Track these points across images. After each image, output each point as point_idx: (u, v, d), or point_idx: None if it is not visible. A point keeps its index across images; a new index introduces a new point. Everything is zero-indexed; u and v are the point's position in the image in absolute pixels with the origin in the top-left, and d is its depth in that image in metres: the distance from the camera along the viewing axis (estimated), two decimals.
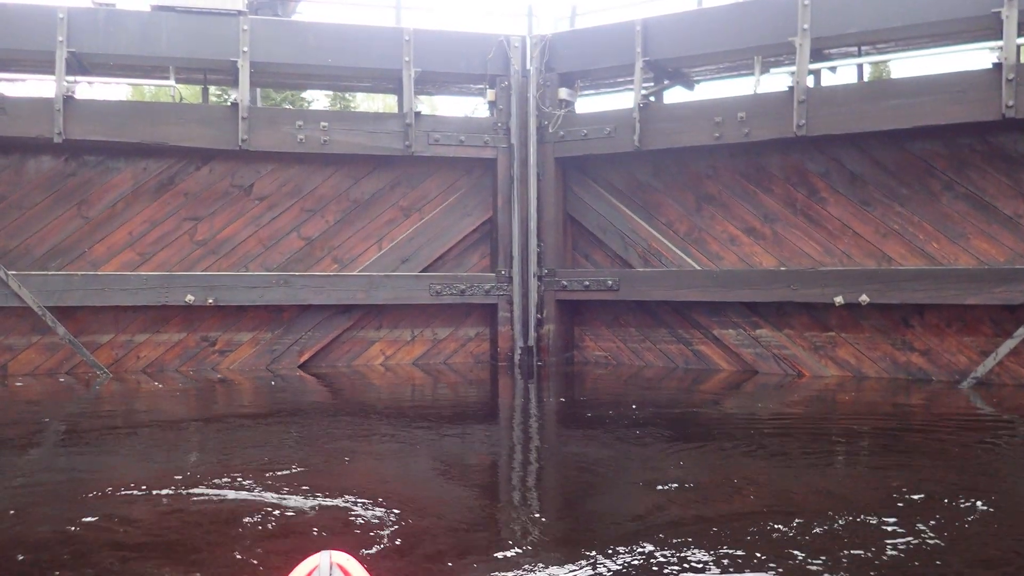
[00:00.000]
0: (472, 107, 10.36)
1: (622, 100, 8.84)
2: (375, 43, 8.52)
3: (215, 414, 6.43)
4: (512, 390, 7.91)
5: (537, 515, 3.83)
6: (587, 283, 8.86)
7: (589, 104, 9.57)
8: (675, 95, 9.37)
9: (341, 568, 1.91)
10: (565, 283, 8.99)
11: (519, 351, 9.03)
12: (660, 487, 4.13)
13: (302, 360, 8.65)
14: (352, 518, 3.62)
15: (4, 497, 3.99)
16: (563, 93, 9.05)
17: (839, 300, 7.60)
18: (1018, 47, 6.89)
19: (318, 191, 8.74)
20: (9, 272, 7.66)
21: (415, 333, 9.07)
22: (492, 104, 9.05)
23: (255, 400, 7.08)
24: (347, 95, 19.04)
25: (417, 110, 8.59)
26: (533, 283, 9.02)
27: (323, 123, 8.44)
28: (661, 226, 8.75)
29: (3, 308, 7.70)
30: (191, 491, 4.04)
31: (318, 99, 20.10)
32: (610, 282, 8.72)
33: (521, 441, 5.67)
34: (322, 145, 8.41)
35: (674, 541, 3.31)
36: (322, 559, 1.92)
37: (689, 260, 8.53)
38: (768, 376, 8.06)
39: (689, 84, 9.30)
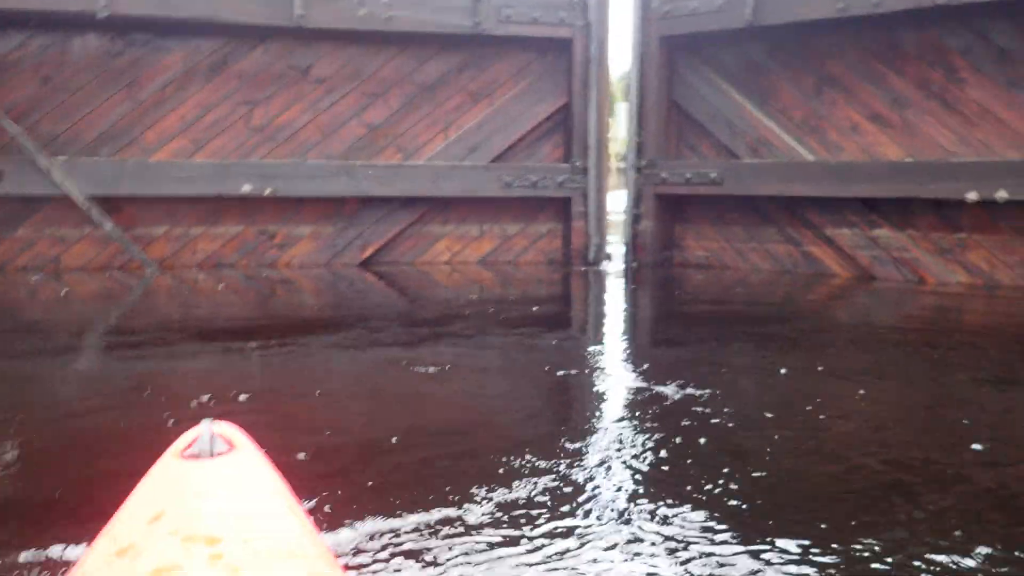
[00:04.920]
0: None
1: None
2: None
3: (266, 323, 5.97)
4: (589, 292, 7.24)
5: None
6: (689, 176, 8.03)
7: None
8: None
9: (223, 438, 1.65)
10: (665, 176, 8.19)
11: (594, 248, 8.31)
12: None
13: (364, 256, 8.12)
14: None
15: None
16: None
17: (972, 196, 6.62)
18: None
19: (380, 74, 8.02)
20: (57, 158, 7.27)
21: (483, 229, 8.41)
22: None
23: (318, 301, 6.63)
24: None
25: None
26: (631, 175, 8.31)
27: None
28: (774, 112, 7.83)
29: (53, 198, 7.34)
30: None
31: None
32: (713, 175, 7.87)
33: (604, 353, 4.98)
34: (385, 22, 7.66)
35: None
36: (203, 428, 1.64)
37: (803, 150, 7.63)
38: (886, 282, 7.19)
39: None
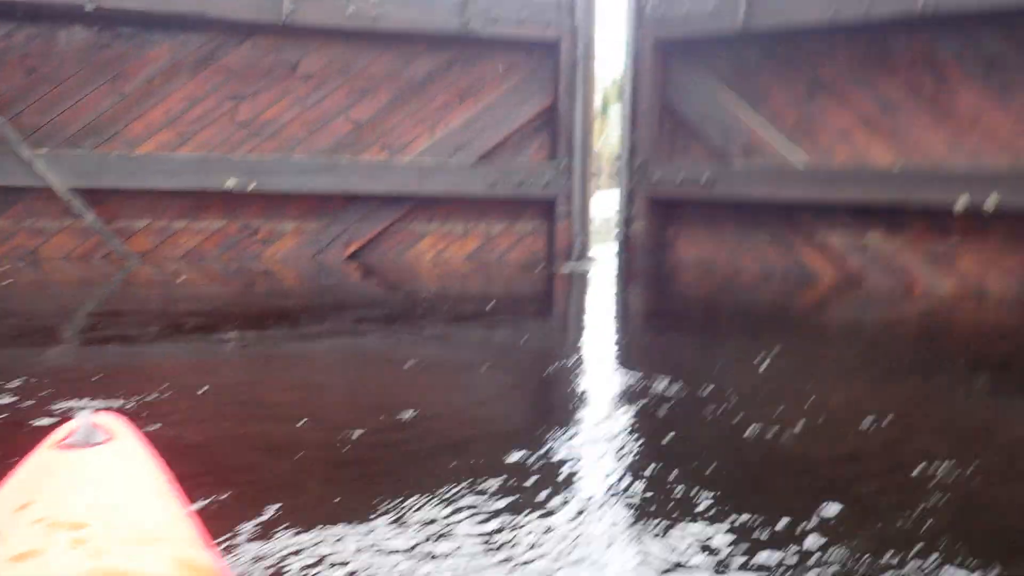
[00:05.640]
0: None
1: None
2: None
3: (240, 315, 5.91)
4: (574, 290, 7.22)
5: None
6: (681, 178, 7.99)
7: None
8: None
9: (103, 429, 1.64)
10: (657, 177, 8.16)
11: (578, 248, 8.32)
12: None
13: (348, 252, 8.06)
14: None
15: None
16: None
17: (963, 202, 6.51)
18: None
19: (367, 71, 7.99)
20: (39, 151, 7.23)
21: (468, 227, 8.37)
22: None
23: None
24: None
25: None
26: (624, 177, 8.34)
27: None
28: (766, 116, 7.79)
29: (33, 189, 7.29)
30: None
31: None
32: (705, 178, 7.83)
33: (592, 347, 4.99)
34: (373, 20, 7.63)
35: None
36: (81, 419, 1.64)
37: (794, 155, 7.58)
38: (874, 288, 7.12)
39: None
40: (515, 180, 8.04)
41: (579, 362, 4.30)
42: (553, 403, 3.70)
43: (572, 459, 2.74)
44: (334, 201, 7.98)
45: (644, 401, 3.44)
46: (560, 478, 2.56)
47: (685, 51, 8.12)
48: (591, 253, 8.50)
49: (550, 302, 7.00)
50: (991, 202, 6.42)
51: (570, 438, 2.95)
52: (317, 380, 3.90)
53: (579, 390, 3.80)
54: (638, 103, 8.24)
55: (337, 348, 4.61)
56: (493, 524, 2.22)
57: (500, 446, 2.80)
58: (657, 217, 8.42)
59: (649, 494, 2.44)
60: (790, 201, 7.53)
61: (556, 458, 2.73)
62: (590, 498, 2.40)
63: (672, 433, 3.04)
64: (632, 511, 2.33)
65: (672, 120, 8.33)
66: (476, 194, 8.05)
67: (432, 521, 2.22)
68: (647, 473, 2.61)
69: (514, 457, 2.71)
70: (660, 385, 3.62)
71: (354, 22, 7.61)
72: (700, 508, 2.34)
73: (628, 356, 4.60)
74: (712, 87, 8.01)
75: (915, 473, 2.63)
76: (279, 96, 7.85)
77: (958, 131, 6.84)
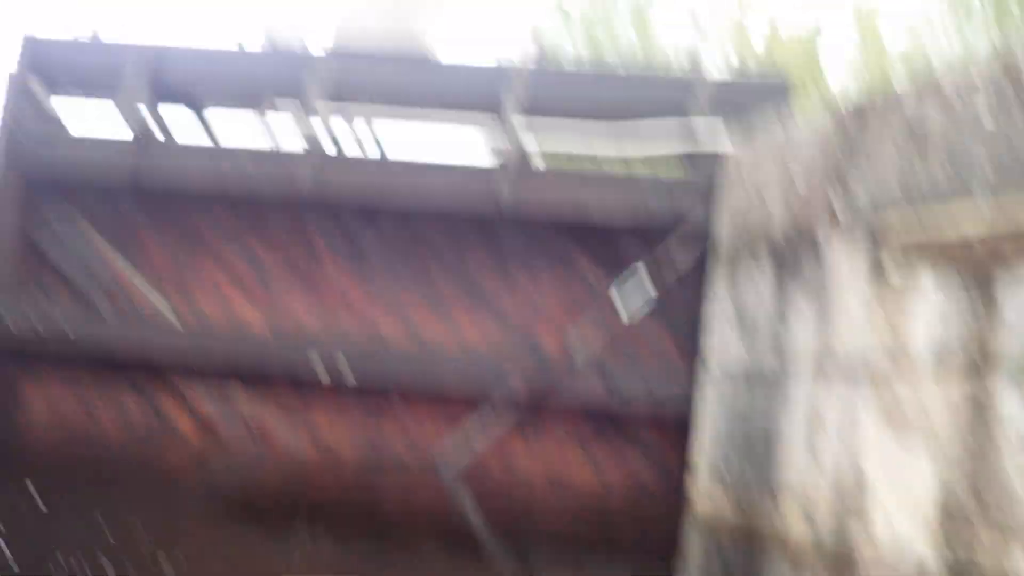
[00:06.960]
0: None
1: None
2: None
3: None
4: None
5: None
6: (37, 324, 7.27)
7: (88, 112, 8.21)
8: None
9: None
10: (10, 320, 7.31)
11: None
12: None
13: None
14: None
15: None
16: (46, 100, 7.77)
17: (322, 372, 6.93)
18: (522, 150, 7.00)
19: None
20: None
21: None
22: None
23: None
24: None
25: None
26: None
27: None
28: (142, 270, 7.59)
29: None
30: None
31: None
32: (66, 326, 7.23)
33: None
34: None
35: None
36: None
37: (167, 311, 7.45)
38: (230, 441, 7.13)
39: (201, 114, 8.44)
40: None
41: None
42: None
43: None
44: None
45: None
46: None
47: (58, 191, 7.69)
48: None
49: None
50: (344, 369, 6.90)
51: None
52: None
53: None
54: None
55: None
56: None
57: None
58: (6, 361, 7.57)
59: None
60: (157, 354, 7.25)
61: None
62: None
63: None
64: None
65: (36, 260, 7.70)
66: None
67: None
68: None
69: None
70: None
71: None
72: None
73: None
74: (85, 232, 7.63)
75: None
76: None
77: (324, 306, 7.39)
